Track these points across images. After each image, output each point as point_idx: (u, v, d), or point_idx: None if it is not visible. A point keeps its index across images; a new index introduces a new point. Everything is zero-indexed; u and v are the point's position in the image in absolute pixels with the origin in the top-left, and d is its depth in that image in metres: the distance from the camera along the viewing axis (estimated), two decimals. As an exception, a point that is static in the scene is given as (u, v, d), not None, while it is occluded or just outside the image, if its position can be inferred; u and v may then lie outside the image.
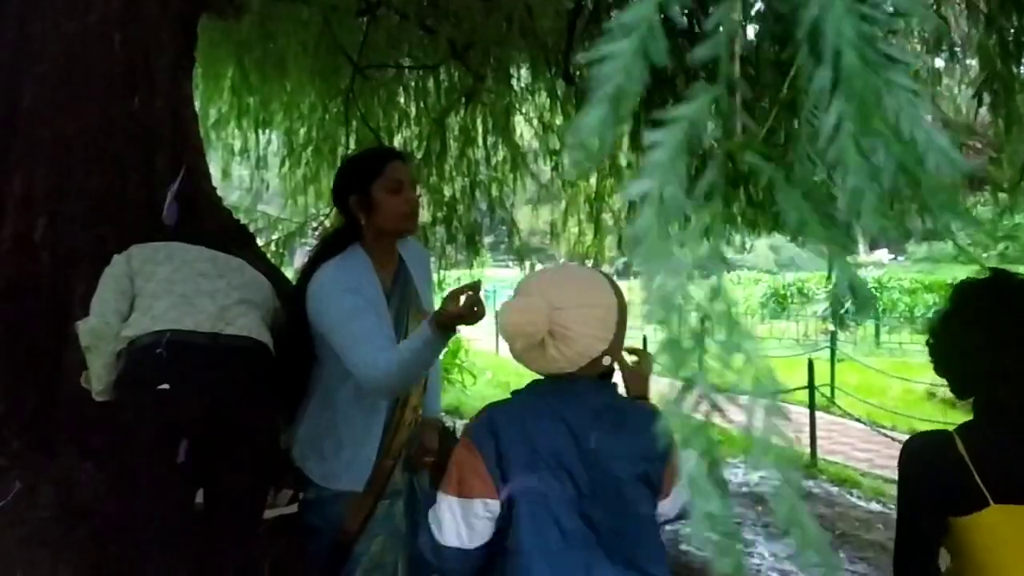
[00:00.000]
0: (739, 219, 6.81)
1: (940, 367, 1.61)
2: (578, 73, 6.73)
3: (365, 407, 2.29)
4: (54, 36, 3.03)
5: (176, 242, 2.49)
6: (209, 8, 3.82)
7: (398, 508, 2.35)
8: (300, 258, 10.18)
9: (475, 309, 1.96)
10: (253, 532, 2.33)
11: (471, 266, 8.38)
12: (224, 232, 3.58)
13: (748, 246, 8.40)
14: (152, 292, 2.29)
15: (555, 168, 7.73)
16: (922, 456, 1.56)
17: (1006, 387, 1.50)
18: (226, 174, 8.26)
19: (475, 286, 2.01)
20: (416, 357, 2.05)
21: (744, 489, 6.30)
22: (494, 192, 7.86)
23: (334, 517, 2.28)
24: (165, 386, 2.11)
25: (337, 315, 2.17)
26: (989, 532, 1.48)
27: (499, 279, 24.91)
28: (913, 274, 24.68)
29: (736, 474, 6.86)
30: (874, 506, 6.18)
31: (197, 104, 7.74)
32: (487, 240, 13.12)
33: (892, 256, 31.01)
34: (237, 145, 8.27)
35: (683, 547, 4.68)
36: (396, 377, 2.09)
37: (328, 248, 2.34)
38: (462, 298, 1.97)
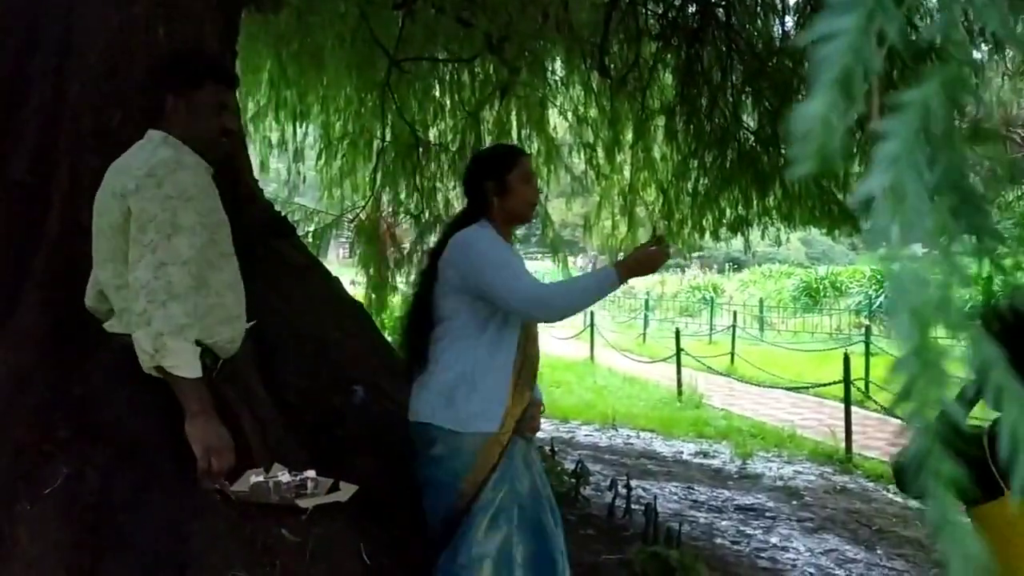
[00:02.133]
0: (774, 212, 6.77)
1: None
2: (612, 66, 6.72)
3: (499, 357, 2.59)
4: (99, 28, 3.07)
5: None
6: (250, 1, 3.86)
7: (517, 464, 2.62)
8: (335, 250, 10.26)
9: (660, 256, 2.48)
10: None
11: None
12: (265, 223, 3.63)
13: (784, 239, 8.33)
14: None
15: (589, 161, 7.71)
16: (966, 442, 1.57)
17: None
18: (264, 167, 8.35)
19: (661, 239, 2.52)
20: (589, 291, 2.53)
21: (779, 483, 6.27)
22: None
23: (460, 468, 2.53)
24: None
25: (500, 256, 2.56)
26: (1004, 521, 1.56)
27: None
28: (951, 269, 24.33)
29: (771, 467, 6.83)
30: (911, 501, 6.12)
31: (237, 97, 7.85)
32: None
33: (926, 248, 30.52)
34: (275, 138, 8.35)
35: (717, 540, 4.67)
36: (567, 301, 2.54)
37: (457, 223, 2.73)
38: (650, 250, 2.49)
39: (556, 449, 5.28)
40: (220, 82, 2.35)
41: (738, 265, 30.71)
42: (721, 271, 29.85)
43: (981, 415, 1.67)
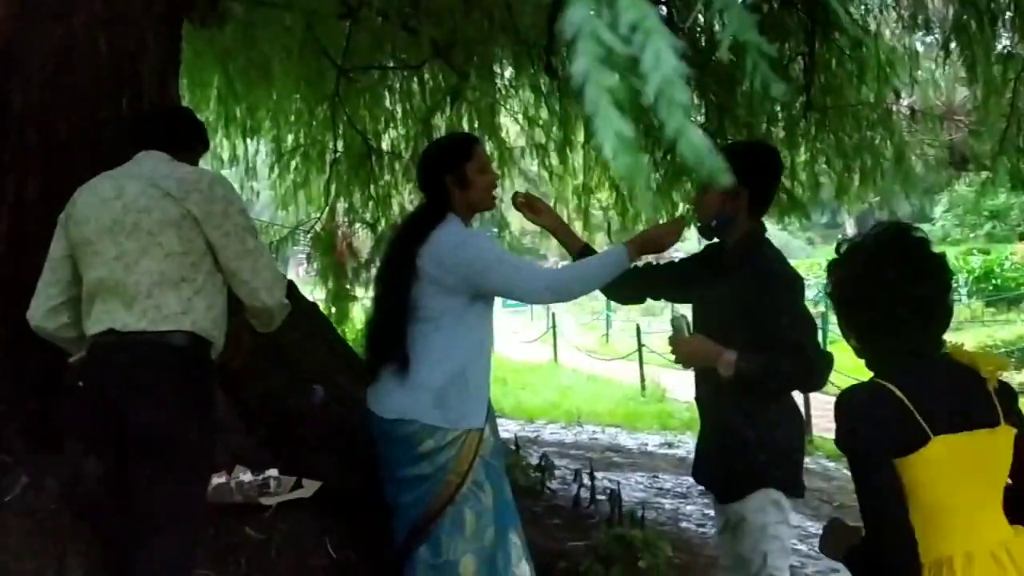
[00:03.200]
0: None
1: (851, 325, 1.77)
2: (560, 66, 6.80)
3: (485, 353, 2.69)
4: (41, 40, 3.07)
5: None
6: (192, 11, 3.87)
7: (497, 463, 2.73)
8: (294, 266, 10.24)
9: (670, 234, 2.59)
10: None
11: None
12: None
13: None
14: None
15: (542, 162, 7.78)
16: (868, 405, 1.65)
17: (922, 318, 1.66)
18: (216, 182, 8.30)
19: (680, 219, 2.74)
20: (599, 271, 2.57)
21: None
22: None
23: (448, 462, 2.54)
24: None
25: (494, 251, 2.65)
26: (932, 465, 1.59)
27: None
28: (903, 257, 24.83)
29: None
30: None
31: (184, 114, 7.80)
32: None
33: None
34: (226, 155, 8.31)
35: (683, 524, 4.74)
36: (579, 282, 2.60)
37: (425, 220, 2.66)
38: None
39: (520, 446, 5.32)
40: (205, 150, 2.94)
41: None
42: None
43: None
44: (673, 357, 2.50)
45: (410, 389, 2.56)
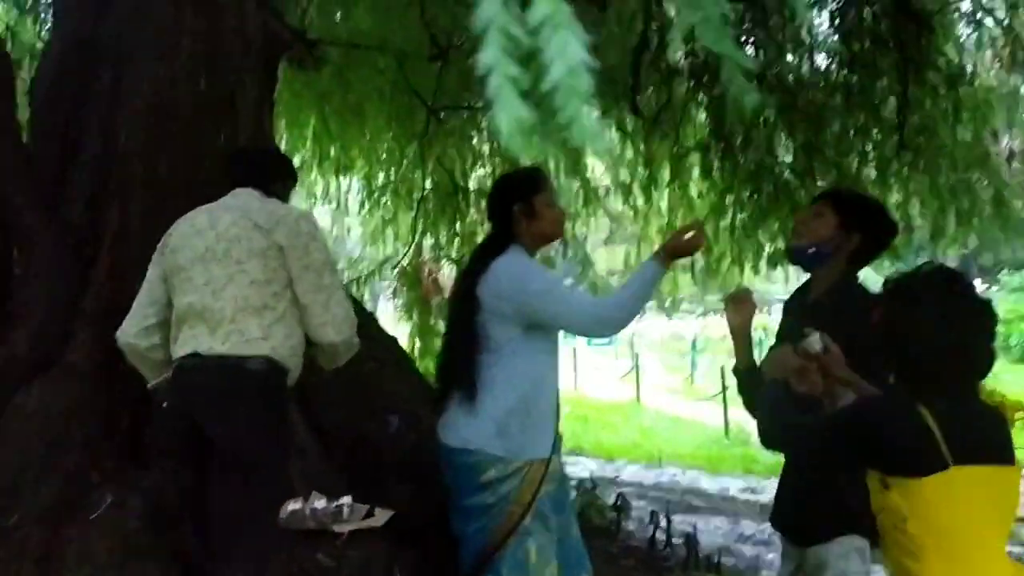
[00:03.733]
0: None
1: (889, 360, 1.79)
2: (645, 106, 6.83)
3: (549, 384, 2.70)
4: (146, 79, 3.27)
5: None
6: (290, 54, 4.05)
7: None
8: (383, 302, 10.44)
9: (697, 240, 2.55)
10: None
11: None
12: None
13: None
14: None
15: (626, 201, 7.80)
16: (889, 417, 1.69)
17: (960, 361, 1.67)
18: (309, 218, 8.58)
19: (698, 224, 2.66)
20: (642, 291, 2.56)
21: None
22: (568, 228, 7.95)
23: (511, 492, 2.54)
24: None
25: (546, 280, 2.66)
26: (951, 491, 1.61)
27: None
28: (1009, 304, 23.78)
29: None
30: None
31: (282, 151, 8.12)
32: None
33: (986, 286, 29.88)
34: (319, 190, 8.60)
35: (763, 573, 4.61)
36: (626, 310, 2.57)
37: (489, 250, 2.72)
38: (688, 234, 2.55)
39: (598, 485, 5.28)
40: (294, 186, 3.05)
41: (787, 306, 30.22)
42: (771, 312, 29.46)
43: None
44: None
45: (474, 418, 2.58)
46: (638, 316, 2.68)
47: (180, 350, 2.48)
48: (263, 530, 2.45)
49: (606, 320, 2.60)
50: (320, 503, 2.95)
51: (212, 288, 2.44)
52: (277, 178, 2.79)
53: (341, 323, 2.54)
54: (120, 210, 3.20)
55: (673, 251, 2.58)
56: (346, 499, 2.97)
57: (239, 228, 2.50)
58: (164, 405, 2.55)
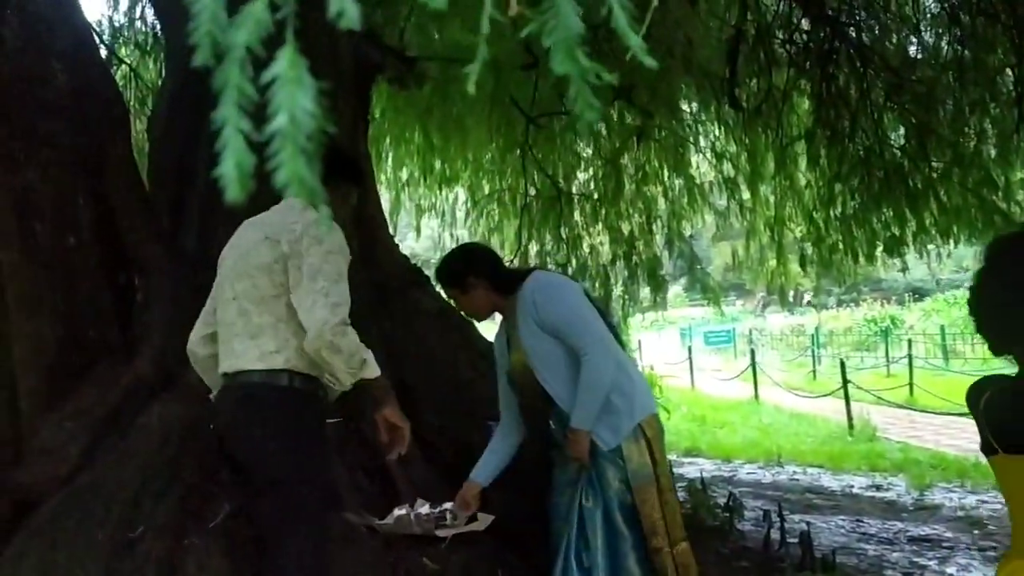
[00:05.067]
0: (931, 229, 6.46)
1: (980, 325, 1.64)
2: (745, 97, 6.70)
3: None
4: (244, 109, 3.44)
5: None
6: (380, 71, 4.18)
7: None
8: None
9: None
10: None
11: (655, 302, 8.40)
12: (401, 274, 3.89)
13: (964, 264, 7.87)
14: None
15: (732, 196, 7.67)
16: (968, 398, 1.62)
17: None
18: (418, 230, 8.82)
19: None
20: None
21: (960, 513, 5.90)
22: (673, 226, 7.87)
23: (616, 470, 2.74)
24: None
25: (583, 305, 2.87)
26: (1000, 477, 1.57)
27: (692, 318, 24.76)
28: None
29: (951, 498, 6.43)
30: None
31: (388, 168, 8.35)
32: (682, 282, 13.18)
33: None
34: (426, 203, 8.80)
35: (887, 572, 4.45)
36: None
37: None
38: None
39: (709, 485, 5.21)
40: (349, 181, 2.79)
41: (920, 294, 29.05)
42: (900, 302, 28.25)
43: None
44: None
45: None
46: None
47: (219, 369, 2.58)
48: (303, 541, 2.43)
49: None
50: (424, 509, 3.04)
51: (237, 304, 2.50)
52: (331, 181, 2.62)
53: (321, 327, 2.30)
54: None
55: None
56: (448, 504, 3.05)
57: (252, 244, 2.54)
58: (211, 427, 2.66)
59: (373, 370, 2.45)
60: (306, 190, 0.58)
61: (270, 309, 2.44)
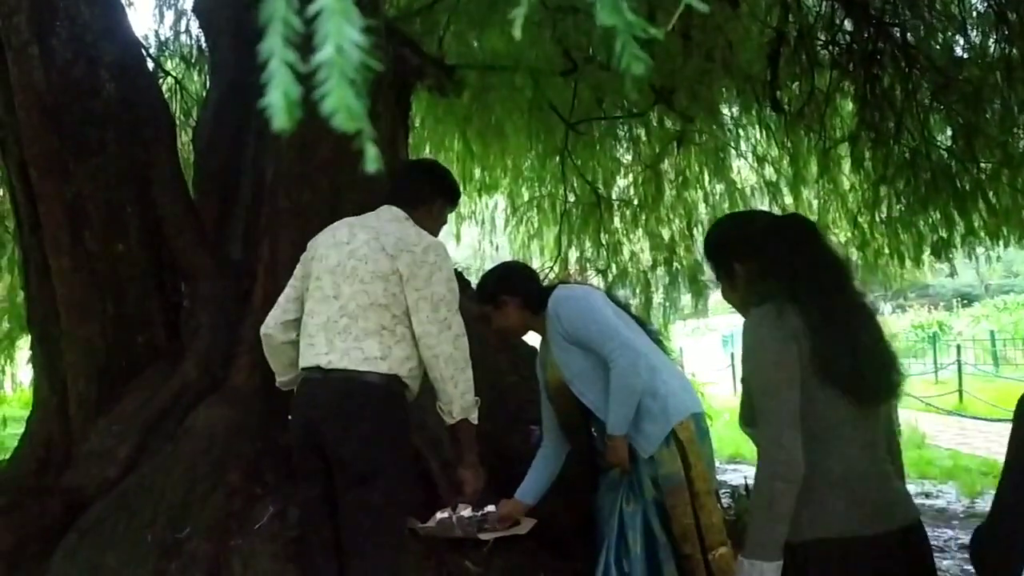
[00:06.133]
0: (980, 231, 6.33)
1: None
2: (787, 100, 6.63)
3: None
4: (288, 116, 3.48)
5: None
6: (419, 77, 4.20)
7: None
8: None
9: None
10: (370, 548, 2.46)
11: (696, 309, 8.34)
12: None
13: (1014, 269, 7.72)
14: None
15: (773, 199, 7.58)
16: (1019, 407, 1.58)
17: None
18: (457, 237, 8.86)
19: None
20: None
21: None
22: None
23: (650, 472, 2.75)
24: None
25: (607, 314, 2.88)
26: None
27: (735, 324, 24.46)
28: None
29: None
30: None
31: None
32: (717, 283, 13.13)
33: None
34: (465, 211, 8.82)
35: None
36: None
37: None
38: None
39: (751, 490, 5.12)
40: (446, 199, 2.95)
41: (968, 300, 28.48)
42: (948, 308, 27.69)
43: None
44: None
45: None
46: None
47: (303, 362, 2.60)
48: (389, 537, 2.50)
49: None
50: (467, 512, 3.03)
51: (339, 303, 2.54)
52: (420, 196, 2.82)
53: (448, 361, 2.52)
54: (270, 243, 3.41)
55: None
56: (491, 508, 3.05)
57: (368, 249, 2.59)
58: (289, 417, 2.68)
59: (475, 415, 2.62)
60: (353, 118, 0.59)
61: (378, 316, 2.52)
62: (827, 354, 1.76)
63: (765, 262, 1.94)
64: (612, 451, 2.74)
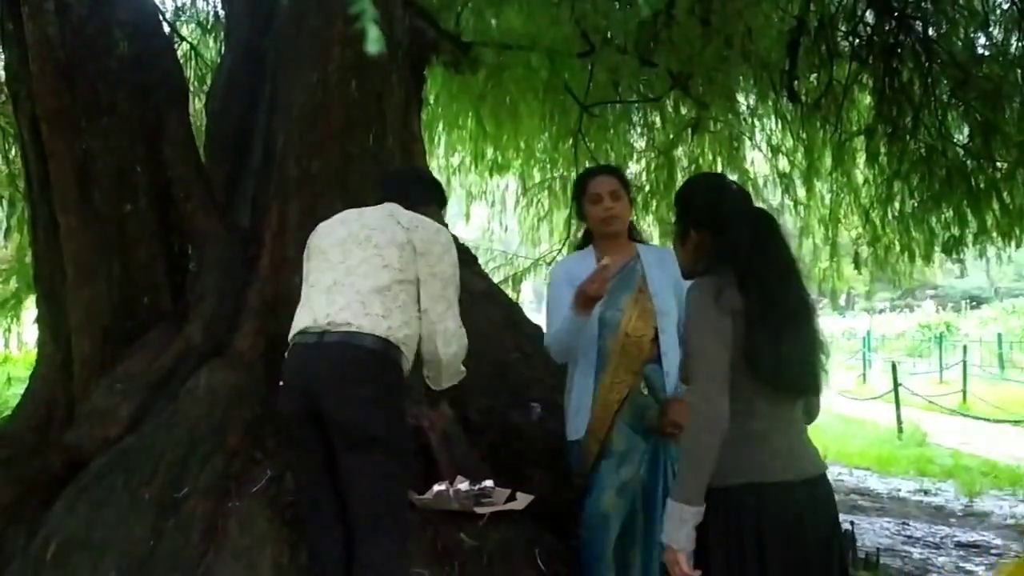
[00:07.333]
0: (992, 230, 6.28)
1: None
2: (804, 91, 6.58)
3: (582, 371, 2.89)
4: (300, 85, 3.48)
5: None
6: (434, 50, 4.18)
7: (626, 470, 2.79)
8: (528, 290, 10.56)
9: (597, 286, 2.61)
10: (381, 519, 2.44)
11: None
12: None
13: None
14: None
15: (786, 191, 7.53)
16: None
17: None
18: (467, 216, 8.85)
19: (603, 266, 2.62)
20: (561, 331, 2.80)
21: (1010, 521, 5.76)
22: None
23: (571, 464, 2.90)
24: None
25: (550, 301, 2.95)
26: None
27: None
28: None
29: (1002, 506, 6.28)
30: None
31: (440, 154, 8.36)
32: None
33: None
34: (476, 189, 8.79)
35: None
36: (553, 345, 2.91)
37: (579, 246, 3.13)
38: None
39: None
40: (438, 203, 3.00)
41: (977, 302, 28.37)
42: (956, 309, 27.58)
43: None
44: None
45: None
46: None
47: (296, 326, 2.57)
48: (396, 501, 2.49)
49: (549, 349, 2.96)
50: (463, 485, 3.04)
51: (347, 266, 2.53)
52: (422, 200, 2.84)
53: (450, 337, 2.61)
54: (279, 210, 3.41)
55: (577, 299, 2.68)
56: (488, 482, 3.05)
57: (383, 220, 2.62)
58: (280, 384, 2.65)
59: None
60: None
61: (390, 275, 2.52)
62: (754, 347, 1.94)
63: (722, 243, 2.06)
64: (680, 411, 2.66)
